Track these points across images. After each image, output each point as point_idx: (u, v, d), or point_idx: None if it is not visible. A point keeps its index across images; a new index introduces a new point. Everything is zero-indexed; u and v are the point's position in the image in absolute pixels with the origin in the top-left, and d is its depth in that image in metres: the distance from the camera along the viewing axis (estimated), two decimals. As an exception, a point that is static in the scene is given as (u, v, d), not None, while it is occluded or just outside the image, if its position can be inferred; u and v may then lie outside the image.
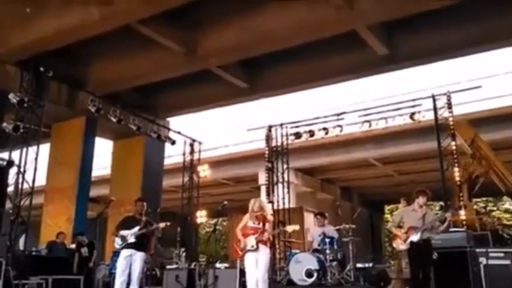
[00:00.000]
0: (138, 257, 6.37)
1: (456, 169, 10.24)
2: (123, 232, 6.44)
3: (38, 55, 9.95)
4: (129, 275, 6.28)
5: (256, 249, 5.58)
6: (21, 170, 9.49)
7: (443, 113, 10.55)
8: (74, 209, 12.06)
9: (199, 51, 10.71)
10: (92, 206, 14.32)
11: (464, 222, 9.78)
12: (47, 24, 9.34)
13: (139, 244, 6.41)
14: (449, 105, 10.43)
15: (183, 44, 10.63)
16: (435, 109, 10.62)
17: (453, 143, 10.27)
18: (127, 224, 6.54)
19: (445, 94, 10.57)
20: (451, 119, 10.39)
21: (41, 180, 11.49)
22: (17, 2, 9.41)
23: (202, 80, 12.77)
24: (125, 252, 6.37)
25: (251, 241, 5.60)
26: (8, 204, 9.38)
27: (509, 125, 14.89)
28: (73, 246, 10.64)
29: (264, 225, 5.66)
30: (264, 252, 5.62)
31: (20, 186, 9.45)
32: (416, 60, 11.46)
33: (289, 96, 14.98)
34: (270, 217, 5.84)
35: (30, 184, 9.57)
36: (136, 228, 6.41)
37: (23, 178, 9.51)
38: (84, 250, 9.67)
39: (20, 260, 8.69)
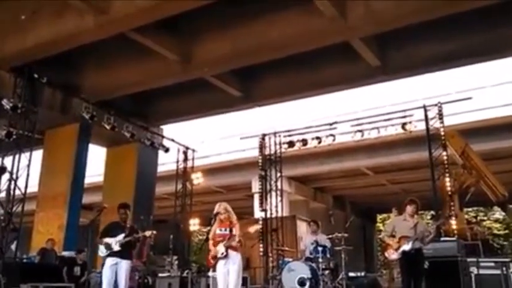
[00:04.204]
0: (124, 265, 6.22)
1: (447, 179, 10.38)
2: (108, 240, 6.31)
3: (33, 62, 9.95)
4: (116, 283, 6.19)
5: (226, 255, 5.44)
6: (14, 176, 9.47)
7: (435, 124, 10.71)
8: (66, 216, 11.96)
9: (193, 60, 10.77)
10: (84, 213, 14.25)
11: (455, 232, 9.88)
12: (42, 32, 9.36)
13: (124, 252, 6.24)
14: (441, 116, 10.59)
15: (178, 52, 10.68)
16: (426, 119, 10.79)
17: (444, 153, 10.43)
18: (111, 230, 6.34)
19: (436, 105, 10.75)
20: (442, 129, 10.55)
21: (33, 187, 11.42)
22: (12, 9, 9.42)
23: (196, 88, 12.83)
24: (109, 261, 6.20)
25: (220, 248, 5.45)
26: (0, 211, 9.35)
27: (499, 136, 15.08)
28: (65, 253, 10.59)
29: (231, 230, 5.53)
30: (235, 259, 5.49)
31: (12, 192, 9.41)
32: (408, 71, 11.62)
33: (283, 105, 15.10)
34: (235, 221, 5.65)
35: (23, 190, 9.54)
36: (121, 236, 6.25)
37: (15, 184, 9.48)
38: (77, 269, 9.55)
39: (11, 267, 8.62)
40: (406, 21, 9.12)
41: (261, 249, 12.34)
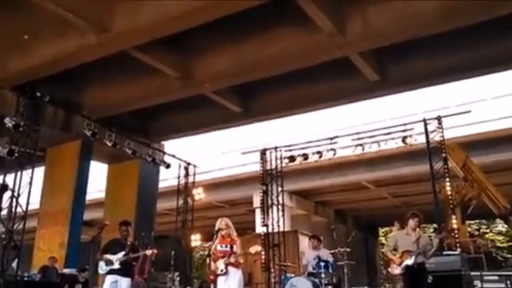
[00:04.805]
0: (124, 283, 6.20)
1: (448, 188, 10.35)
2: (108, 257, 6.33)
3: (35, 80, 10.04)
4: None
5: (226, 273, 5.43)
6: (15, 193, 9.48)
7: (435, 137, 10.74)
8: (67, 233, 11.93)
9: (194, 76, 10.86)
10: (85, 230, 14.21)
11: (458, 245, 9.84)
12: (45, 51, 9.46)
13: (124, 270, 6.26)
14: (441, 129, 10.63)
15: (179, 69, 10.77)
16: (426, 133, 10.82)
17: (445, 166, 10.44)
18: (112, 247, 6.36)
19: (436, 118, 10.79)
20: (442, 142, 10.58)
21: (34, 204, 11.42)
22: (14, 28, 9.54)
23: (197, 105, 12.90)
24: (110, 278, 6.19)
25: (220, 265, 5.46)
26: (1, 229, 9.33)
27: (499, 149, 15.10)
28: (66, 271, 10.54)
29: (231, 247, 5.54)
30: (235, 276, 5.47)
31: (13, 210, 9.41)
32: (407, 85, 11.65)
33: (284, 120, 15.15)
34: (235, 238, 5.67)
35: (24, 208, 9.53)
36: (121, 254, 6.26)
37: (17, 202, 9.48)
38: (78, 287, 9.52)
39: (12, 285, 8.57)
40: (404, 36, 9.19)
41: (263, 265, 12.26)
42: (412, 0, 8.57)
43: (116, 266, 6.19)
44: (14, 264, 9.51)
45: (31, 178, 9.67)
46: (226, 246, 5.56)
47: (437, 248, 6.43)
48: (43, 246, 12.11)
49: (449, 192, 10.41)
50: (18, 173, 9.56)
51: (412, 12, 8.58)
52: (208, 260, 5.75)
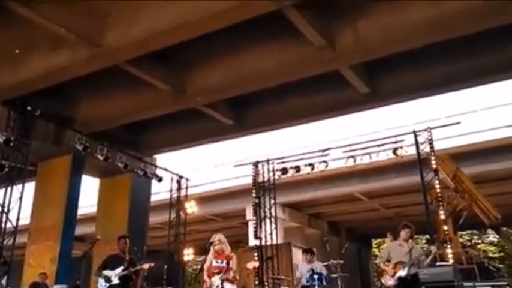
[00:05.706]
0: None
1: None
2: (107, 272, 6.31)
3: (26, 94, 9.99)
4: None
5: None
6: (5, 209, 9.37)
7: (425, 148, 10.85)
8: (58, 248, 11.76)
9: (186, 90, 10.87)
10: (76, 245, 14.03)
11: (450, 256, 9.87)
12: (36, 65, 9.41)
13: (123, 285, 6.29)
14: (431, 141, 10.74)
15: (171, 83, 10.78)
16: (417, 145, 10.93)
17: (436, 178, 10.52)
18: (110, 263, 6.40)
19: (426, 130, 10.91)
20: (432, 154, 10.69)
21: (24, 219, 11.27)
22: (5, 42, 9.53)
23: (189, 118, 12.92)
24: None
25: (216, 281, 5.45)
26: (-9, 245, 9.20)
27: (489, 159, 15.26)
28: (56, 287, 10.39)
29: (228, 263, 5.53)
30: None
31: (3, 225, 9.30)
32: (397, 97, 11.74)
33: (276, 132, 15.21)
34: (230, 253, 5.67)
35: (14, 223, 9.42)
36: (120, 269, 6.29)
37: (7, 217, 9.37)
38: None
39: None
40: (395, 48, 9.27)
41: (257, 278, 12.18)
42: (401, 13, 8.67)
43: (115, 281, 6.20)
44: (4, 281, 9.37)
45: (21, 193, 9.59)
46: (222, 262, 5.54)
47: (433, 257, 6.47)
48: (33, 262, 11.92)
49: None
50: (9, 188, 9.47)
51: (402, 24, 8.68)
52: (201, 274, 5.71)
